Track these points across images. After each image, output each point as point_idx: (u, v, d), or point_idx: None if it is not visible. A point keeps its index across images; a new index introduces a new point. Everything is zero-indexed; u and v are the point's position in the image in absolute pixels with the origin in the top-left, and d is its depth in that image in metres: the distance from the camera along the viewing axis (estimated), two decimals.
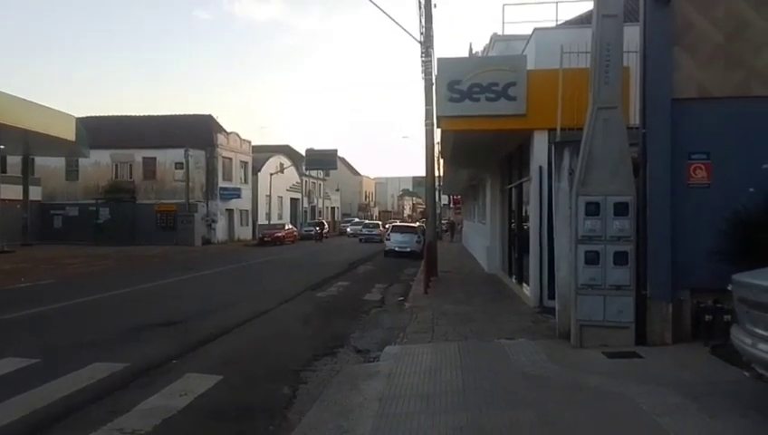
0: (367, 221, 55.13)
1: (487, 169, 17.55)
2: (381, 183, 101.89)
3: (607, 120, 7.15)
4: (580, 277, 7.19)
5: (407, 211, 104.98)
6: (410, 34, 17.28)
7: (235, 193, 43.20)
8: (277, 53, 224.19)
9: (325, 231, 49.52)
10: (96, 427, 4.87)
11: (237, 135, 44.74)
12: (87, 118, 35.43)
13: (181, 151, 37.58)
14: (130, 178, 40.99)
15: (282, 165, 52.84)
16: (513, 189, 13.69)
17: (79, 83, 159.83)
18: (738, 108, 7.11)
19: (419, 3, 17.17)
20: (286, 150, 59.35)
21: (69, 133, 25.77)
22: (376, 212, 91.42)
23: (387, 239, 27.99)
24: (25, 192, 31.07)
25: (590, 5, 9.15)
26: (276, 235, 40.70)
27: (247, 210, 46.33)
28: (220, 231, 41.19)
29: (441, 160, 23.90)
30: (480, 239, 21.31)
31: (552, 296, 9.11)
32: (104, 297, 13.22)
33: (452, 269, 18.62)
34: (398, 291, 14.41)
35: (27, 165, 32.66)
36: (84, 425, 4.94)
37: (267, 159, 50.46)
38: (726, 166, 7.07)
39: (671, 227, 7.05)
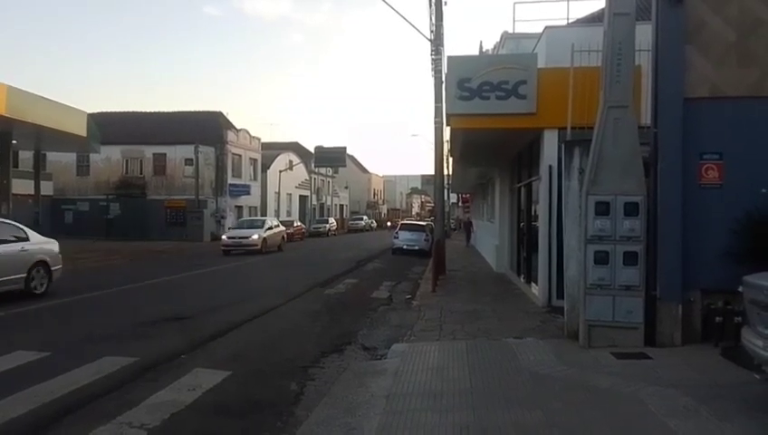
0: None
1: (497, 167, 17.50)
2: (390, 181, 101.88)
3: (618, 119, 7.10)
4: (589, 277, 7.16)
5: (415, 209, 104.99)
6: (420, 32, 17.22)
7: (245, 190, 43.36)
8: (286, 49, 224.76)
9: None
10: (105, 421, 4.90)
11: (247, 132, 44.89)
12: (98, 114, 35.72)
13: (191, 148, 37.76)
14: (141, 173, 41.29)
15: (291, 162, 52.98)
16: (523, 188, 13.64)
17: (90, 79, 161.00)
18: (751, 107, 7.04)
19: (430, 0, 17.12)
20: (295, 148, 59.49)
21: (80, 129, 25.89)
22: (384, 210, 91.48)
23: (395, 237, 28.02)
24: (37, 187, 31.24)
25: (601, 4, 9.10)
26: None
27: (256, 207, 46.44)
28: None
29: (450, 159, 23.86)
30: (489, 238, 21.26)
31: (560, 296, 9.08)
32: (114, 292, 13.32)
33: (460, 268, 18.59)
34: (406, 289, 14.40)
35: (39, 160, 32.85)
36: (93, 418, 4.97)
37: (276, 156, 50.61)
38: (739, 166, 7.01)
39: (682, 227, 6.99)
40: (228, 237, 26.49)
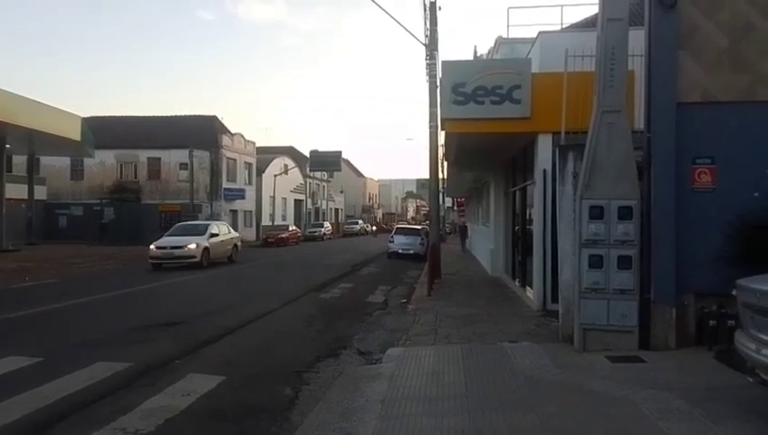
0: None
1: (491, 171, 17.55)
2: (385, 185, 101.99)
3: (611, 123, 7.14)
4: (583, 281, 7.18)
5: (410, 213, 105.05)
6: (415, 37, 17.29)
7: (240, 194, 43.33)
8: (281, 54, 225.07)
9: None
10: (98, 426, 4.88)
11: (242, 136, 44.87)
12: (92, 118, 35.63)
13: (186, 152, 37.73)
14: (135, 178, 41.22)
15: (286, 166, 52.95)
16: (517, 192, 13.67)
17: (84, 84, 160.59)
18: (743, 112, 7.08)
19: (424, 5, 17.20)
20: (290, 152, 59.51)
21: (74, 133, 25.87)
22: (380, 214, 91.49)
23: (390, 241, 28.06)
24: (30, 191, 31.19)
25: (595, 9, 9.14)
26: (280, 236, 40.75)
27: (251, 211, 46.41)
28: None
29: (445, 163, 23.90)
30: (484, 242, 21.28)
31: (555, 300, 9.09)
32: (108, 297, 13.25)
33: (455, 272, 18.60)
34: (402, 293, 14.40)
35: (32, 164, 32.82)
36: (87, 424, 4.95)
37: (271, 161, 50.60)
38: (731, 170, 7.04)
39: (675, 231, 7.02)
40: (157, 247, 20.95)
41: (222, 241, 23.23)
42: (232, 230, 25.41)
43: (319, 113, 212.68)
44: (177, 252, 20.62)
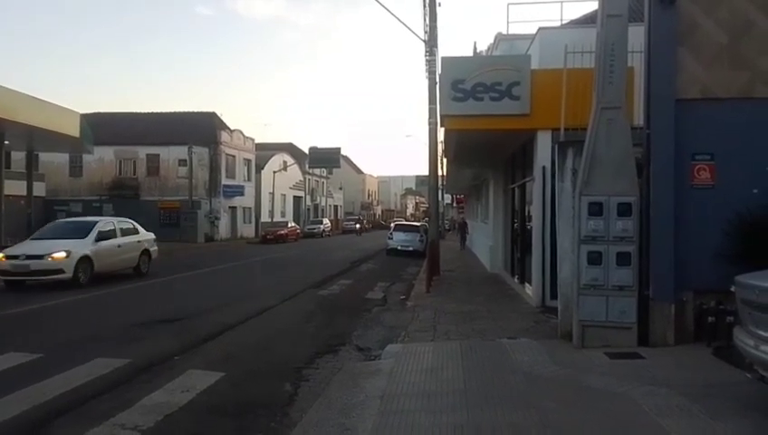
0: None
1: (491, 168, 17.54)
2: (384, 182, 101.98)
3: (611, 120, 7.13)
4: (582, 277, 7.18)
5: (410, 210, 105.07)
6: (414, 33, 17.25)
7: (239, 190, 43.30)
8: (280, 50, 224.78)
9: None
10: (97, 422, 4.88)
11: (241, 132, 44.82)
12: (91, 114, 35.51)
13: (185, 148, 37.70)
14: (134, 174, 41.19)
15: (285, 163, 52.92)
16: (517, 189, 13.67)
17: (83, 80, 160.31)
18: (742, 109, 7.08)
19: (424, 1, 17.15)
20: (289, 148, 59.48)
21: (73, 130, 25.79)
22: (379, 210, 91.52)
23: (389, 238, 28.07)
24: (29, 188, 31.03)
25: (594, 5, 9.13)
26: (279, 232, 40.77)
27: (250, 208, 46.39)
28: (223, 228, 41.29)
29: (444, 159, 23.89)
30: (483, 239, 21.30)
31: (554, 296, 9.10)
32: (106, 293, 13.25)
33: (454, 268, 18.61)
34: (401, 289, 14.41)
35: (31, 161, 32.66)
36: (86, 420, 4.95)
37: (270, 157, 50.58)
38: (730, 167, 7.05)
39: (674, 227, 7.02)
40: (7, 256, 14.13)
41: (119, 246, 15.87)
42: (141, 229, 17.63)
43: (318, 110, 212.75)
44: (34, 264, 13.72)
